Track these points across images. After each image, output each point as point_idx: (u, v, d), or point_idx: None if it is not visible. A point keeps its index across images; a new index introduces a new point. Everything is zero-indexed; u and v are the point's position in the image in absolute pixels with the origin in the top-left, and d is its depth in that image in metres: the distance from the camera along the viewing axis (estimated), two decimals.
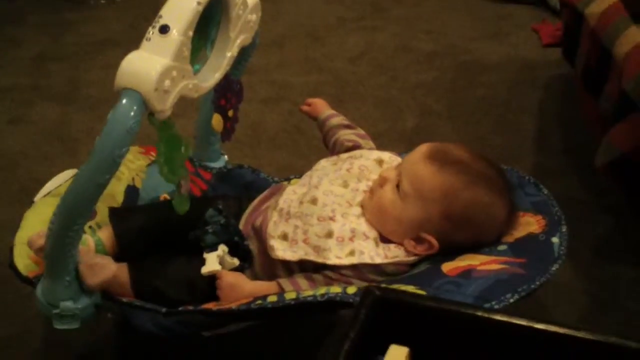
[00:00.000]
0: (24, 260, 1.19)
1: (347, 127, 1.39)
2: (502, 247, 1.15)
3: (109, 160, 1.00)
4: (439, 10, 2.55)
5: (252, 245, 1.24)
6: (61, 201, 1.05)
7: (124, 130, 0.98)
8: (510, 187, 1.22)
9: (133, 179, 1.38)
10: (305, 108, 1.45)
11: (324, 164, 1.32)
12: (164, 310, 1.14)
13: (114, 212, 1.29)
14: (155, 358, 1.35)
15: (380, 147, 1.37)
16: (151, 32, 1.00)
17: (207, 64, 1.13)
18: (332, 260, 1.15)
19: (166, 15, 1.00)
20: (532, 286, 1.05)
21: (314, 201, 1.22)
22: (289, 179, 1.43)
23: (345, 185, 1.24)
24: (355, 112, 1.95)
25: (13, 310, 1.44)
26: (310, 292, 1.10)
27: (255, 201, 1.32)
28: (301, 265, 1.19)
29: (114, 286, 1.17)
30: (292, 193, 1.27)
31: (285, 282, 1.17)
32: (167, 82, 1.00)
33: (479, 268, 1.09)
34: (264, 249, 1.22)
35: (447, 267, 1.12)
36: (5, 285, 1.45)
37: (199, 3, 1.01)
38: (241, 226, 1.28)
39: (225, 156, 1.50)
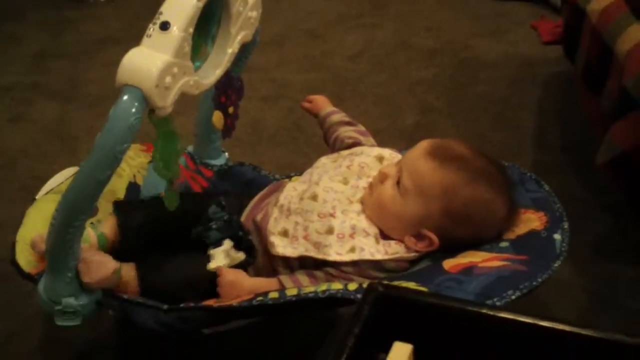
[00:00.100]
0: (25, 257, 1.19)
1: (348, 124, 1.39)
2: (503, 244, 1.15)
3: (110, 156, 1.00)
4: (438, 7, 2.55)
5: (254, 241, 1.25)
6: (62, 198, 1.05)
7: (125, 127, 0.98)
8: (510, 183, 1.22)
9: (134, 175, 1.38)
10: (306, 105, 1.45)
11: (325, 161, 1.32)
12: (165, 307, 1.14)
13: (118, 206, 1.29)
14: (156, 355, 1.35)
15: (380, 144, 1.37)
16: (152, 29, 1.00)
17: (208, 60, 1.13)
18: (333, 256, 1.16)
19: (167, 11, 1.00)
20: (534, 283, 1.05)
21: (314, 197, 1.22)
22: (289, 177, 1.43)
23: (345, 182, 1.24)
24: (355, 110, 1.95)
25: (14, 307, 1.44)
26: (311, 289, 1.10)
27: (256, 198, 1.32)
28: (301, 261, 1.19)
29: (122, 286, 1.17)
30: (292, 190, 1.27)
31: (285, 279, 1.17)
32: (168, 79, 1.00)
33: (480, 265, 1.09)
34: (265, 245, 1.22)
35: (449, 264, 1.12)
36: (6, 282, 1.45)
37: None
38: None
39: (226, 154, 1.50)
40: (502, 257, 1.11)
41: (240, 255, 1.21)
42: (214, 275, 1.19)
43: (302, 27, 2.47)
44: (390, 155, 1.30)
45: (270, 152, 1.88)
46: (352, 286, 1.07)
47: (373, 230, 1.18)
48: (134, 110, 0.98)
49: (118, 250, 1.25)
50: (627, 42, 1.40)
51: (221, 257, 1.19)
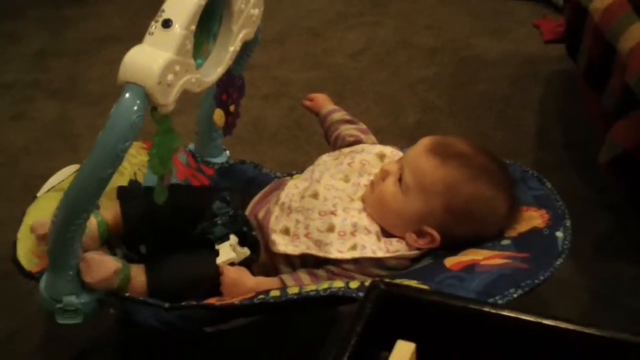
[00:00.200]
0: (27, 255, 1.19)
1: (349, 122, 1.39)
2: (505, 242, 1.14)
3: (112, 154, 1.00)
4: (439, 6, 2.55)
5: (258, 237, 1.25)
6: (64, 195, 1.05)
7: (127, 125, 0.98)
8: (512, 181, 1.22)
9: (135, 173, 1.37)
10: (307, 103, 1.45)
11: (326, 158, 1.32)
12: (166, 305, 1.14)
13: (121, 192, 1.29)
14: (157, 354, 1.35)
15: (382, 142, 1.37)
16: (154, 27, 1.00)
17: (210, 58, 1.13)
18: (334, 254, 1.16)
19: (169, 9, 1.00)
20: (536, 281, 1.05)
21: (315, 195, 1.22)
22: (291, 174, 1.43)
23: (346, 179, 1.24)
24: (356, 108, 1.95)
25: (15, 306, 1.44)
26: (312, 287, 1.10)
27: (258, 196, 1.32)
28: (303, 259, 1.19)
29: (130, 287, 1.17)
30: (293, 187, 1.27)
31: (287, 278, 1.17)
32: (170, 76, 1.00)
33: (482, 263, 1.09)
34: (266, 243, 1.22)
35: (450, 261, 1.12)
36: (7, 280, 1.45)
37: None
38: None
39: (227, 152, 1.50)
40: (504, 254, 1.11)
41: (246, 251, 1.21)
42: (218, 273, 1.19)
43: (303, 25, 2.46)
44: (392, 152, 1.30)
45: (271, 150, 1.88)
46: (354, 284, 1.07)
47: (374, 227, 1.18)
48: (135, 108, 0.98)
49: (122, 235, 1.25)
50: (630, 40, 1.40)
51: (229, 250, 1.19)
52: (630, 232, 1.57)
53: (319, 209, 1.19)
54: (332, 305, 1.27)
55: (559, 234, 1.13)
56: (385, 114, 2.00)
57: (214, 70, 1.13)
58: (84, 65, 2.29)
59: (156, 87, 0.98)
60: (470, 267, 1.08)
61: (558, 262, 1.09)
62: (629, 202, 1.58)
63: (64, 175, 1.34)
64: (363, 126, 1.39)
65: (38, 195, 1.32)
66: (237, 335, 1.33)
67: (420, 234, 1.18)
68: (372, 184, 1.22)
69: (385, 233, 1.18)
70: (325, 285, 1.08)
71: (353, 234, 1.16)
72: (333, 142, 1.38)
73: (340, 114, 1.40)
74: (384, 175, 1.21)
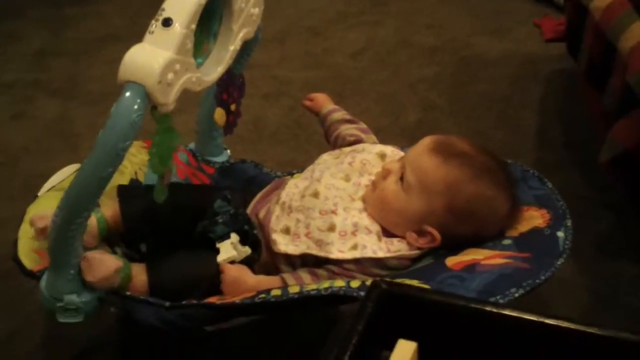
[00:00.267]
0: (28, 254, 1.19)
1: (349, 121, 1.39)
2: (506, 242, 1.14)
3: (112, 153, 0.99)
4: (439, 5, 2.55)
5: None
6: (65, 194, 1.05)
7: (127, 123, 0.98)
8: (513, 180, 1.22)
9: (136, 172, 1.37)
10: (307, 103, 1.45)
11: (326, 157, 1.32)
12: (167, 304, 1.14)
13: (121, 191, 1.29)
14: (158, 353, 1.35)
15: (382, 142, 1.37)
16: (154, 25, 1.00)
17: (210, 57, 1.13)
18: (335, 254, 1.16)
19: (169, 8, 1.00)
20: (537, 281, 1.05)
21: (315, 195, 1.22)
22: (291, 174, 1.43)
23: (347, 179, 1.24)
24: (356, 107, 1.95)
25: (15, 305, 1.44)
26: (314, 286, 1.10)
27: (258, 195, 1.32)
28: (303, 259, 1.19)
29: (131, 285, 1.17)
30: (294, 187, 1.27)
31: (288, 277, 1.17)
32: (170, 75, 1.00)
33: (483, 262, 1.09)
34: (267, 242, 1.22)
35: (451, 261, 1.12)
36: (8, 279, 1.45)
37: None
38: None
39: (228, 151, 1.50)
40: (504, 254, 1.11)
41: (247, 250, 1.21)
42: (219, 272, 1.18)
43: (303, 25, 2.46)
44: (392, 152, 1.30)
45: (271, 149, 1.88)
46: (355, 284, 1.07)
47: (375, 227, 1.18)
48: (136, 107, 0.98)
49: (122, 233, 1.26)
50: (631, 39, 1.40)
51: (230, 249, 1.19)
52: (631, 231, 1.57)
53: (319, 208, 1.19)
54: (333, 305, 1.27)
55: (560, 233, 1.13)
56: (386, 114, 2.00)
57: (214, 69, 1.13)
58: (84, 64, 2.29)
59: (156, 86, 0.98)
60: (471, 267, 1.08)
61: (559, 262, 1.09)
62: (630, 202, 1.58)
63: (65, 174, 1.34)
64: (363, 126, 1.39)
65: (39, 194, 1.31)
66: (238, 334, 1.33)
67: (420, 233, 1.18)
68: (373, 183, 1.22)
69: (386, 233, 1.18)
70: (326, 284, 1.08)
71: (354, 233, 1.16)
72: (333, 142, 1.38)
73: (340, 114, 1.40)
74: (385, 174, 1.21)
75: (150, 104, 1.00)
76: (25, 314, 1.41)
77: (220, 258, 1.19)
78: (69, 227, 1.06)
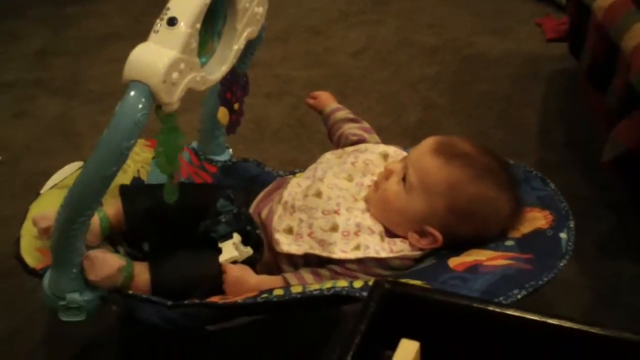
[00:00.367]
0: (30, 252, 1.19)
1: (352, 120, 1.39)
2: (509, 243, 1.14)
3: (116, 152, 0.99)
4: (441, 4, 2.55)
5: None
6: (68, 193, 1.05)
7: (132, 123, 0.98)
8: (515, 181, 1.22)
9: (138, 171, 1.37)
10: (310, 101, 1.45)
11: (329, 156, 1.32)
12: (169, 303, 1.14)
13: (124, 190, 1.29)
14: (159, 351, 1.35)
15: (384, 141, 1.37)
16: (159, 25, 1.00)
17: (214, 56, 1.13)
18: (338, 254, 1.15)
19: (174, 7, 1.00)
20: (540, 282, 1.04)
21: (318, 194, 1.22)
22: (293, 173, 1.43)
23: (350, 179, 1.24)
24: (358, 107, 1.94)
25: (17, 303, 1.44)
26: (316, 286, 1.10)
27: (261, 194, 1.32)
28: (306, 259, 1.19)
29: (133, 284, 1.17)
30: (296, 186, 1.27)
31: (290, 277, 1.17)
32: (175, 75, 1.00)
33: (485, 263, 1.09)
34: (269, 241, 1.22)
35: (454, 262, 1.11)
36: (10, 277, 1.45)
37: None
38: None
39: (230, 150, 1.50)
40: (507, 255, 1.11)
41: (249, 250, 1.21)
42: (221, 272, 1.19)
43: (305, 24, 2.47)
44: (395, 152, 1.30)
45: (274, 148, 1.88)
46: (358, 284, 1.07)
47: (378, 228, 1.18)
48: (140, 106, 0.98)
49: (124, 232, 1.26)
50: (633, 39, 1.40)
51: (232, 249, 1.19)
52: (632, 230, 1.57)
53: (322, 208, 1.19)
54: (335, 305, 1.27)
55: (563, 235, 1.13)
56: (387, 113, 2.00)
57: (218, 68, 1.13)
58: (85, 63, 2.29)
59: (161, 86, 0.98)
60: (474, 268, 1.08)
61: (562, 264, 1.09)
62: (631, 201, 1.58)
63: (67, 172, 1.34)
64: (366, 125, 1.39)
65: (41, 192, 1.31)
66: (240, 334, 1.33)
67: (422, 234, 1.18)
68: (376, 183, 1.22)
69: (389, 233, 1.18)
70: (329, 284, 1.08)
71: (357, 234, 1.16)
72: (336, 141, 1.38)
73: (343, 113, 1.40)
74: (387, 174, 1.21)
75: (155, 103, 1.00)
76: (27, 312, 1.41)
77: (222, 258, 1.19)
78: (72, 225, 1.06)
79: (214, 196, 1.26)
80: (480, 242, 1.16)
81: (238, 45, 1.16)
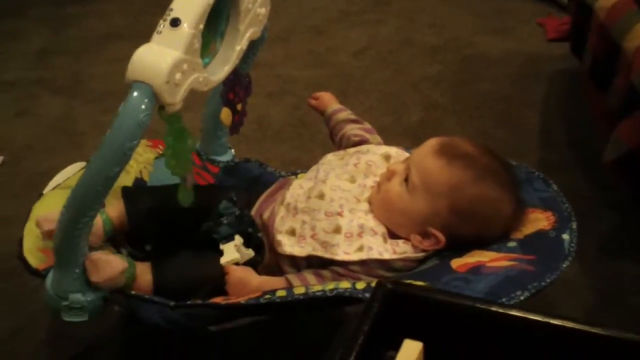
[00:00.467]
0: (33, 252, 1.19)
1: (354, 121, 1.39)
2: (511, 244, 1.14)
3: (119, 153, 1.00)
4: (442, 4, 2.55)
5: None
6: (71, 193, 1.05)
7: (135, 123, 0.98)
8: (517, 182, 1.22)
9: (140, 171, 1.37)
10: (312, 102, 1.45)
11: (331, 158, 1.31)
12: (172, 303, 1.14)
13: (126, 192, 1.29)
14: (161, 351, 1.35)
15: (385, 141, 1.37)
16: (162, 25, 1.00)
17: (217, 57, 1.13)
18: (340, 256, 1.15)
19: (177, 8, 1.00)
20: (542, 283, 1.04)
21: (321, 196, 1.22)
22: (295, 174, 1.43)
23: (352, 180, 1.24)
24: (359, 106, 1.95)
25: (19, 303, 1.44)
26: (319, 287, 1.10)
27: (263, 195, 1.32)
28: (308, 260, 1.19)
29: (135, 285, 1.17)
30: (298, 187, 1.27)
31: (293, 278, 1.17)
32: (178, 75, 1.00)
33: (488, 264, 1.09)
34: (271, 243, 1.22)
35: (456, 263, 1.11)
36: (12, 277, 1.45)
37: None
38: None
39: (232, 150, 1.50)
40: (510, 257, 1.11)
41: (251, 252, 1.21)
42: (223, 273, 1.19)
43: (306, 24, 2.47)
44: (397, 153, 1.30)
45: (275, 148, 1.88)
46: (361, 285, 1.07)
47: (381, 229, 1.18)
48: (143, 106, 0.98)
49: (127, 233, 1.26)
50: (635, 39, 1.40)
51: (233, 251, 1.19)
52: (634, 231, 1.57)
53: (325, 210, 1.19)
54: (338, 306, 1.27)
55: (565, 236, 1.13)
56: (389, 113, 2.00)
57: (221, 69, 1.13)
58: (86, 63, 2.29)
59: (164, 86, 0.98)
60: (477, 269, 1.08)
61: (564, 265, 1.09)
62: (633, 201, 1.58)
63: (70, 172, 1.34)
64: (368, 126, 1.39)
65: (44, 192, 1.32)
66: (242, 335, 1.33)
67: (424, 235, 1.18)
68: (378, 184, 1.22)
69: (392, 235, 1.18)
70: (332, 285, 1.08)
71: (360, 235, 1.16)
72: (338, 142, 1.38)
73: (345, 114, 1.40)
74: (390, 175, 1.21)
75: (158, 104, 1.00)
76: (29, 312, 1.42)
77: (223, 260, 1.19)
78: (75, 226, 1.06)
79: (216, 198, 1.26)
80: (482, 243, 1.16)
81: (241, 45, 1.16)
